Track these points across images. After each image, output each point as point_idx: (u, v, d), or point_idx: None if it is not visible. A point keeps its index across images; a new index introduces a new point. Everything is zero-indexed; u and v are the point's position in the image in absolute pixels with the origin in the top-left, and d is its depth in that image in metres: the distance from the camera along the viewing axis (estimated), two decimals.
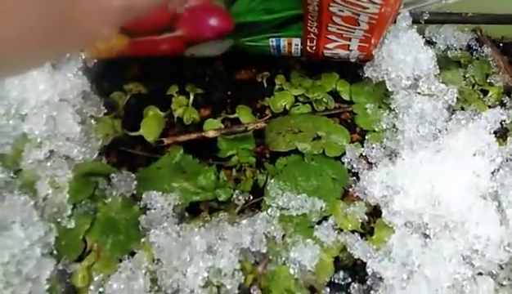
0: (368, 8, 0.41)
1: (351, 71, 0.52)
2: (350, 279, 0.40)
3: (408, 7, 0.50)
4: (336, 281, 0.40)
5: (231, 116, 0.49)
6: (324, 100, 0.50)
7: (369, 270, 0.40)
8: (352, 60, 0.49)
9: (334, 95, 0.51)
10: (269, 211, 0.42)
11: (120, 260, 0.39)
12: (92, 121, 0.46)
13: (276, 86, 0.51)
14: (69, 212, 0.40)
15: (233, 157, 0.46)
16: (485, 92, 0.52)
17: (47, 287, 0.38)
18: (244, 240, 0.39)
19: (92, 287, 0.38)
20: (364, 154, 0.46)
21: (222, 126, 0.48)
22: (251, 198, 0.44)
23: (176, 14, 0.44)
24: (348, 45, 0.47)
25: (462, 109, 0.49)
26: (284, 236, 0.41)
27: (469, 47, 0.55)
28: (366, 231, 0.42)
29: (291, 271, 0.40)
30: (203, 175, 0.44)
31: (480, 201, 0.41)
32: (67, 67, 0.45)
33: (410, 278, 0.39)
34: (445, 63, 0.52)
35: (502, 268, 0.40)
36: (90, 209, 0.41)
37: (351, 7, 0.41)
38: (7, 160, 0.42)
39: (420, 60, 0.48)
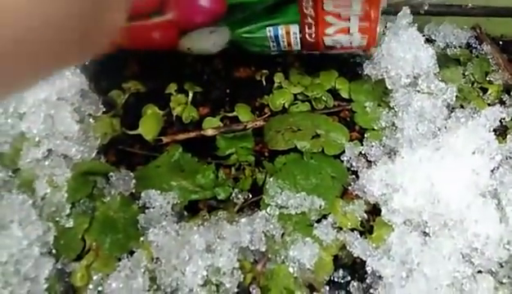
0: None
1: (350, 69, 0.52)
2: (349, 278, 0.40)
3: (410, 0, 0.49)
4: (335, 279, 0.40)
5: (230, 114, 0.49)
6: (323, 98, 0.50)
7: (368, 268, 0.40)
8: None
9: (334, 93, 0.51)
10: (268, 209, 0.42)
11: (119, 259, 0.39)
12: (91, 119, 0.46)
13: (275, 85, 0.51)
14: (68, 211, 0.40)
15: (232, 155, 0.46)
16: (484, 90, 0.52)
17: (45, 286, 0.38)
18: (244, 239, 0.39)
19: (90, 286, 0.38)
20: (363, 152, 0.46)
21: (221, 124, 0.48)
22: (250, 196, 0.44)
23: None
24: (348, 28, 0.45)
25: (461, 107, 0.49)
26: (283, 234, 0.41)
27: (468, 45, 0.55)
28: (366, 229, 0.42)
29: (290, 270, 0.39)
30: (202, 174, 0.44)
31: (479, 199, 0.41)
32: None
33: (410, 276, 0.39)
34: (444, 61, 0.52)
35: (502, 266, 0.40)
36: (88, 208, 0.41)
37: None
38: (5, 159, 0.42)
39: (420, 58, 0.48)
